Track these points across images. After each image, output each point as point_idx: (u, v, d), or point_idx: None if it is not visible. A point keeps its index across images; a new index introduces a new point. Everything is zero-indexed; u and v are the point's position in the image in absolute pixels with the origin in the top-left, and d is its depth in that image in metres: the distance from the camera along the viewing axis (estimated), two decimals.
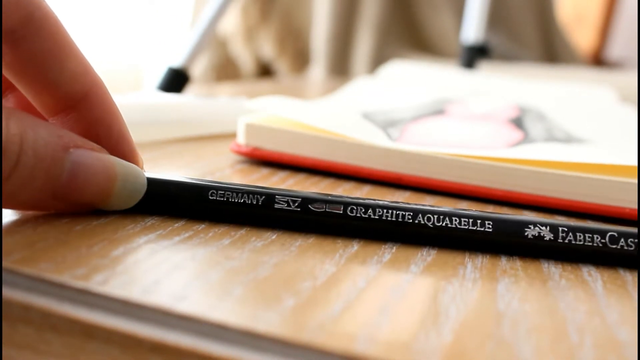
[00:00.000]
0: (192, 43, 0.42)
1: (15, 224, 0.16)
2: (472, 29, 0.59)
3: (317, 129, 0.26)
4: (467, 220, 0.18)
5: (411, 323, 0.13)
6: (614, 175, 0.23)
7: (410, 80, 0.51)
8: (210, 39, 0.45)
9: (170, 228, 0.17)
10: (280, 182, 0.24)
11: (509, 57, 0.93)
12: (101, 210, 0.18)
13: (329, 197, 0.18)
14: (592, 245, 0.17)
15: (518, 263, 0.17)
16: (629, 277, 0.17)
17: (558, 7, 1.18)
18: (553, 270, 0.17)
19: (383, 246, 0.18)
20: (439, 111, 0.35)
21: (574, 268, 0.17)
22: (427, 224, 0.18)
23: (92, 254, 0.15)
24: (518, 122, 0.33)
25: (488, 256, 0.18)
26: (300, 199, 0.18)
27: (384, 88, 0.44)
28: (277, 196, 0.18)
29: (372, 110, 0.33)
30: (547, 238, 0.17)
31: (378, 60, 0.84)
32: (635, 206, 0.22)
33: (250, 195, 0.18)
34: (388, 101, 0.38)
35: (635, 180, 0.22)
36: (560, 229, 0.17)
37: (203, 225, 0.18)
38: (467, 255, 0.17)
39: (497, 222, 0.18)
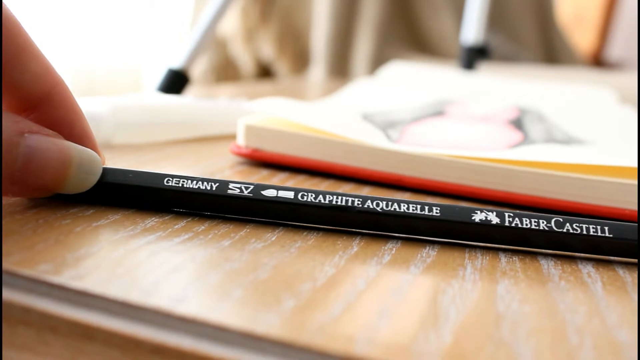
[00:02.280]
0: (192, 44, 0.42)
1: (14, 226, 0.16)
2: (472, 30, 0.59)
3: (317, 131, 0.26)
4: (415, 205, 0.18)
5: (411, 325, 0.13)
6: (614, 176, 0.23)
7: (410, 81, 0.51)
8: (210, 40, 0.45)
9: (170, 230, 0.17)
10: (280, 184, 0.24)
11: (509, 58, 0.93)
12: (101, 214, 0.18)
13: (281, 185, 0.19)
14: (538, 229, 0.18)
15: (518, 265, 0.17)
16: (629, 279, 0.17)
17: (558, 7, 1.18)
18: (552, 271, 0.17)
19: (383, 247, 0.18)
20: (438, 112, 0.35)
21: (574, 270, 0.17)
22: (375, 209, 0.18)
23: (92, 255, 0.15)
24: (518, 123, 0.33)
25: (488, 258, 0.18)
26: (252, 186, 0.18)
27: (383, 89, 0.44)
28: (230, 183, 0.19)
29: (372, 111, 0.33)
30: (494, 222, 0.18)
31: (378, 61, 0.84)
32: (636, 207, 0.22)
33: (205, 182, 0.18)
34: (388, 102, 0.38)
35: (635, 182, 0.22)
36: (506, 214, 0.18)
37: (203, 227, 0.18)
38: (466, 256, 0.17)
39: (444, 207, 0.18)
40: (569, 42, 1.13)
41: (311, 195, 0.18)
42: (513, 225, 0.18)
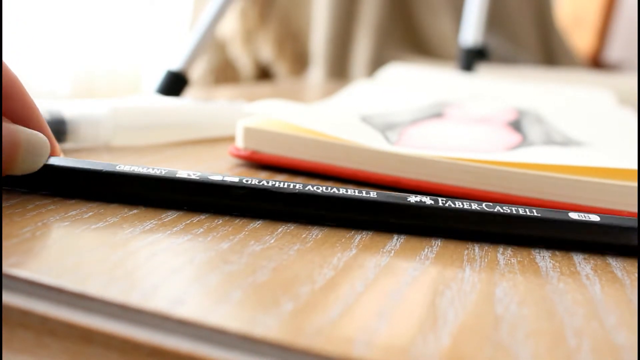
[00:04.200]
0: (191, 46, 0.42)
1: (14, 228, 0.16)
2: (471, 32, 0.59)
3: (315, 132, 0.26)
4: (353, 190, 0.20)
5: (409, 327, 0.13)
6: (613, 178, 0.23)
7: (408, 83, 0.51)
8: (209, 41, 0.45)
9: (169, 232, 0.17)
10: None
11: (508, 59, 0.93)
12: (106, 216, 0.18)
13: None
14: (471, 209, 0.19)
15: (516, 266, 0.17)
16: (627, 281, 0.17)
17: (557, 9, 1.18)
18: (551, 273, 0.17)
19: (381, 249, 0.18)
20: (437, 114, 0.35)
21: (572, 272, 0.17)
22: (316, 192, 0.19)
23: (90, 257, 0.15)
24: (516, 125, 0.33)
25: (486, 260, 0.18)
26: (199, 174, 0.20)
27: (382, 91, 0.44)
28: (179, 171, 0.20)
29: (371, 113, 0.33)
30: (428, 203, 0.19)
31: (377, 63, 0.84)
32: (635, 209, 0.22)
33: (154, 169, 0.20)
34: (387, 104, 0.38)
35: (635, 184, 0.22)
36: (440, 198, 0.20)
37: (202, 229, 0.18)
38: (465, 258, 0.18)
39: (381, 193, 0.20)
40: (568, 43, 1.13)
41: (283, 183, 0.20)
42: (446, 205, 0.19)
